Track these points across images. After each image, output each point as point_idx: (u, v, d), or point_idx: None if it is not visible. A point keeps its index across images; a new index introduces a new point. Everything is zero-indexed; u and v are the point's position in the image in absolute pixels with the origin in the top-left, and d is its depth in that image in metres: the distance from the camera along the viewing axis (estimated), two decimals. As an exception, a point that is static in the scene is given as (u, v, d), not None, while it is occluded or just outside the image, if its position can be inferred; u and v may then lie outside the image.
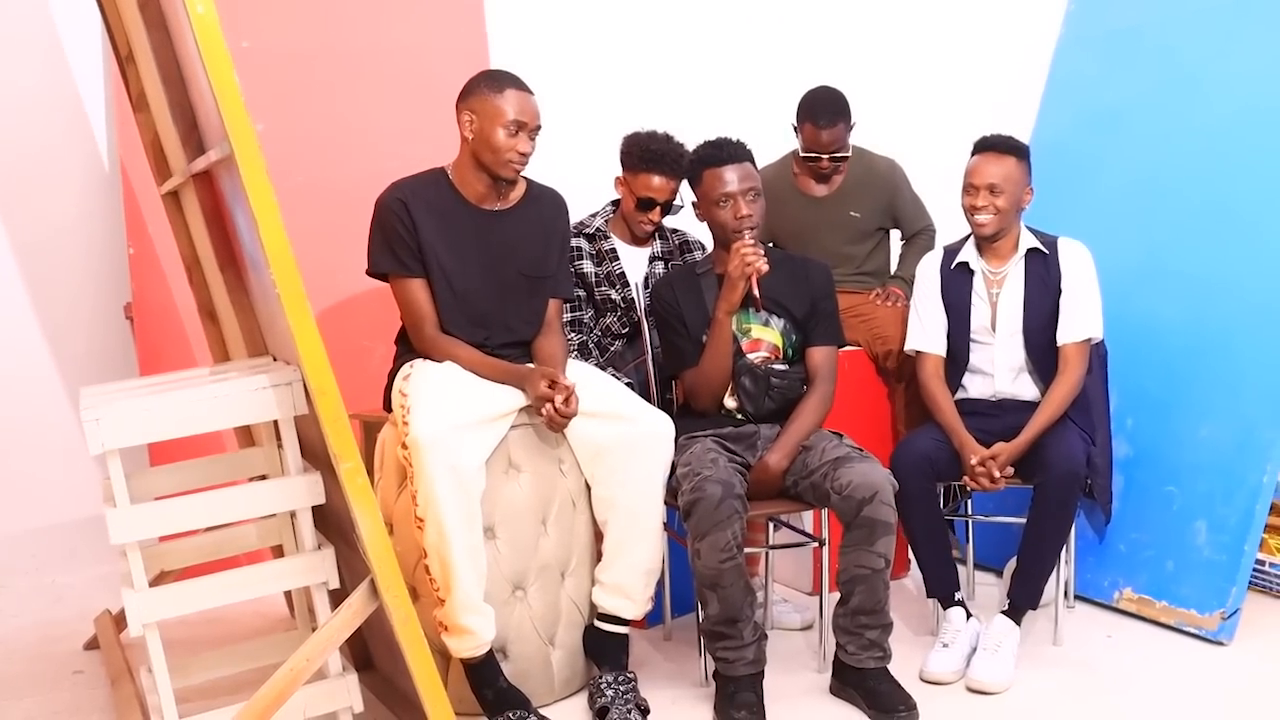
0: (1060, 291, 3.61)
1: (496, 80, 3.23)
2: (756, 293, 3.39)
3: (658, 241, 4.02)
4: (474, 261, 3.29)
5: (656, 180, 3.85)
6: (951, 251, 3.76)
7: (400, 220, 3.22)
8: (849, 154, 4.35)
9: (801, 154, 4.34)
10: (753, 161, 3.47)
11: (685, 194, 3.65)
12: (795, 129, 4.38)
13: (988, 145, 3.61)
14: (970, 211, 3.60)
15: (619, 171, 3.94)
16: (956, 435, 3.58)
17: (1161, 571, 3.77)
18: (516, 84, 3.23)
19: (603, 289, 3.90)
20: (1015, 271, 3.66)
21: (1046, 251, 3.64)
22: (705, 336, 3.46)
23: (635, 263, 3.96)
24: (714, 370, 3.44)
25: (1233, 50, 4.06)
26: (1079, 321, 3.60)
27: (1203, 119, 4.08)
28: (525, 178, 3.37)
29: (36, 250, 4.58)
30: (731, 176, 3.39)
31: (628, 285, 3.93)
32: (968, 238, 3.74)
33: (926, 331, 3.75)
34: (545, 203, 3.43)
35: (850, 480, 3.15)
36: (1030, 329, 3.63)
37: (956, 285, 3.72)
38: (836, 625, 3.27)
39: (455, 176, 3.31)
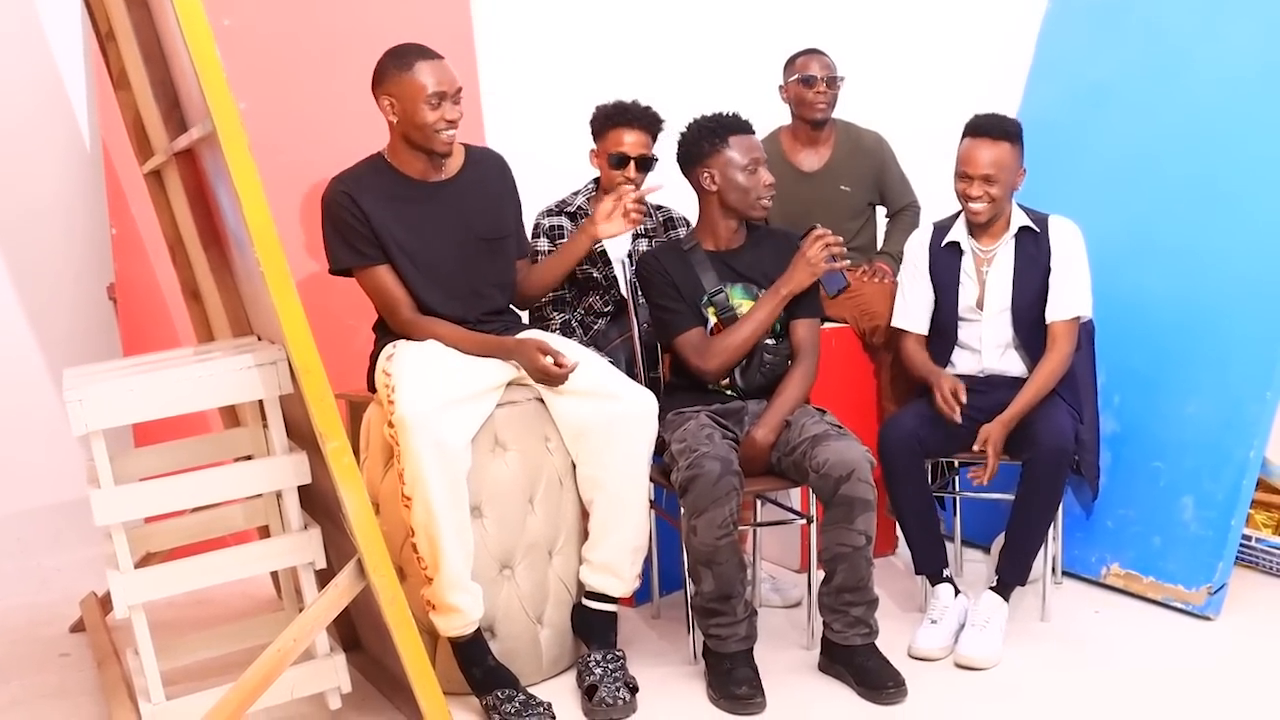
0: (1050, 269, 3.60)
1: (404, 57, 3.19)
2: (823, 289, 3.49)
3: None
4: (432, 236, 3.27)
5: (626, 135, 3.85)
6: (941, 229, 3.75)
7: (349, 211, 3.20)
8: (843, 78, 4.38)
9: (802, 80, 4.35)
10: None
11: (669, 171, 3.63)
12: (782, 89, 4.43)
13: (981, 130, 3.56)
14: (964, 198, 3.58)
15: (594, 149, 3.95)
16: (930, 375, 3.60)
17: (1148, 547, 3.78)
18: (424, 54, 3.20)
19: (584, 267, 3.88)
20: (1005, 249, 3.65)
21: (1037, 229, 3.63)
22: (706, 307, 3.45)
23: (618, 240, 3.94)
24: (745, 344, 3.43)
25: (1219, 24, 4.06)
26: (1068, 299, 3.59)
27: (1190, 93, 4.08)
28: (462, 143, 3.35)
29: (17, 231, 4.54)
30: (757, 145, 3.45)
31: (609, 263, 3.91)
32: (958, 215, 3.72)
33: (910, 311, 3.75)
34: (487, 164, 3.42)
35: (827, 459, 3.15)
36: (1019, 306, 3.62)
37: (945, 263, 3.71)
38: (822, 604, 3.27)
39: (393, 159, 3.29)
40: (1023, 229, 3.64)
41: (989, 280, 3.65)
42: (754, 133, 3.47)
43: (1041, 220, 3.65)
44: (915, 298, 3.74)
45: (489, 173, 3.40)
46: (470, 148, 3.41)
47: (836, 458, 3.14)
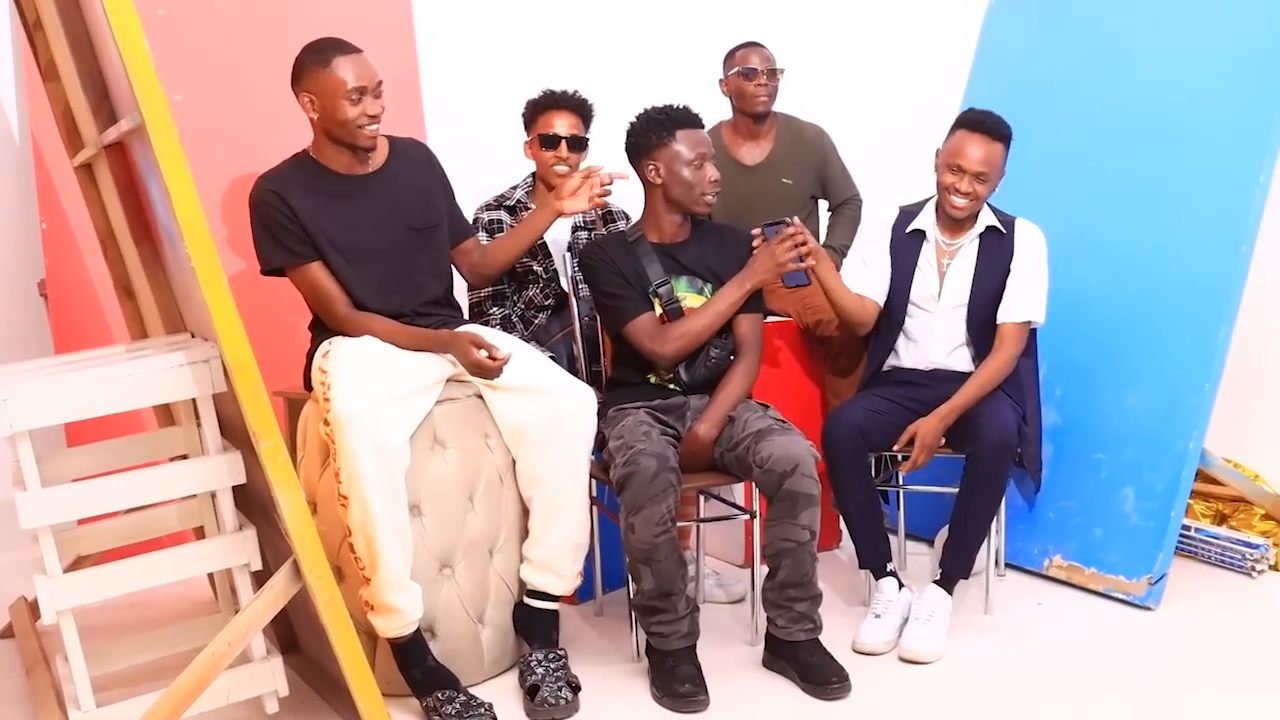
0: (1010, 271, 3.61)
1: (321, 53, 3.14)
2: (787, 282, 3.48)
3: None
4: (363, 229, 3.23)
5: (556, 118, 3.85)
6: (908, 214, 3.74)
7: (277, 209, 3.15)
8: (782, 70, 4.37)
9: (742, 73, 4.32)
10: None
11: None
12: (722, 82, 4.42)
13: (980, 126, 3.54)
14: (950, 190, 3.56)
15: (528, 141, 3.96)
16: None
17: (1090, 538, 3.80)
18: (342, 49, 3.15)
19: (524, 260, 3.85)
20: (970, 246, 3.65)
21: (1004, 230, 3.64)
22: (651, 298, 3.42)
23: (557, 233, 3.91)
24: (703, 333, 3.40)
25: (1159, 22, 4.08)
26: (1023, 303, 3.60)
27: (1129, 90, 4.10)
28: (385, 135, 3.31)
29: (-55, 226, 4.45)
30: (704, 139, 3.42)
31: (549, 256, 3.88)
32: (925, 202, 3.72)
33: (864, 279, 3.72)
34: (412, 154, 3.38)
35: (771, 453, 3.13)
36: (975, 304, 3.63)
37: (906, 249, 3.71)
38: (765, 599, 3.26)
39: (317, 155, 3.25)
40: (990, 228, 3.64)
41: (949, 274, 3.65)
42: (703, 127, 3.45)
43: (1009, 222, 3.65)
44: (877, 268, 3.73)
45: (415, 163, 3.35)
46: (394, 139, 3.36)
47: (780, 453, 3.12)
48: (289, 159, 3.26)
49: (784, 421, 3.29)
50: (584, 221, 3.97)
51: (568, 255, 3.81)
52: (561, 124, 3.84)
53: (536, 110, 3.90)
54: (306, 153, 3.26)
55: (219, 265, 2.56)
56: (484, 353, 3.08)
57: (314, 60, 3.13)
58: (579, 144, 3.87)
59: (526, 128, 3.94)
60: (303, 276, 3.20)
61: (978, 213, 3.65)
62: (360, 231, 3.22)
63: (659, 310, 3.44)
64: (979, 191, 3.54)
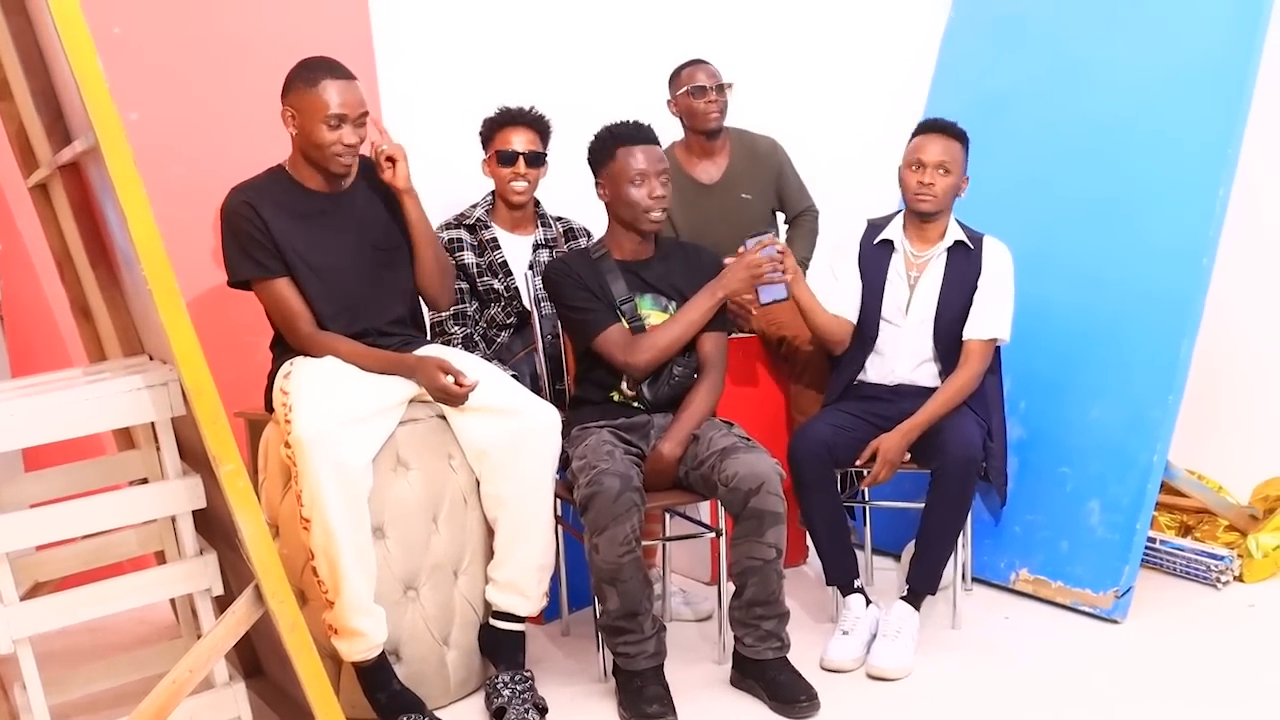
0: (976, 288, 3.61)
1: (312, 72, 3.12)
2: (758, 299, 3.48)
3: (540, 229, 3.96)
4: (334, 248, 3.21)
5: (513, 134, 3.85)
6: (876, 227, 3.75)
7: (250, 221, 3.12)
8: (730, 84, 4.36)
9: (691, 91, 4.31)
10: (659, 146, 3.45)
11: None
12: (670, 103, 4.41)
13: (936, 127, 3.61)
14: (917, 187, 3.57)
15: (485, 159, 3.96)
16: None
17: (1056, 552, 3.80)
18: (333, 72, 3.13)
19: (485, 279, 3.83)
20: (937, 260, 3.66)
21: (971, 246, 3.65)
22: (620, 312, 3.40)
23: (518, 251, 3.90)
24: (675, 343, 3.38)
25: (1119, 35, 4.11)
26: (989, 320, 3.61)
27: (1088, 106, 4.13)
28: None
29: (-101, 248, 4.38)
30: (647, 155, 3.37)
31: (510, 274, 3.86)
32: (894, 215, 3.73)
33: (841, 299, 3.73)
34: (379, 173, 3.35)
35: (736, 471, 3.12)
36: (942, 320, 3.63)
37: (875, 261, 3.71)
38: (732, 618, 3.24)
39: (293, 171, 3.23)
40: (958, 243, 3.65)
41: (917, 287, 3.66)
42: (649, 142, 3.40)
43: (977, 239, 3.67)
44: (848, 283, 3.73)
45: (382, 182, 3.32)
46: (363, 158, 3.33)
47: (746, 470, 3.11)
48: (265, 172, 3.24)
49: (749, 439, 3.28)
50: (545, 239, 3.96)
51: (529, 273, 3.79)
52: (519, 140, 3.84)
53: (494, 127, 3.90)
54: (283, 167, 3.24)
55: (176, 288, 2.52)
56: (450, 379, 3.06)
57: (303, 78, 3.11)
58: (537, 160, 3.86)
59: (484, 145, 3.93)
60: (269, 291, 3.17)
61: (945, 227, 3.66)
62: (329, 250, 3.20)
63: (625, 327, 3.42)
64: (942, 183, 3.55)
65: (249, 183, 3.20)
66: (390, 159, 3.23)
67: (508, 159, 3.83)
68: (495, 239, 3.88)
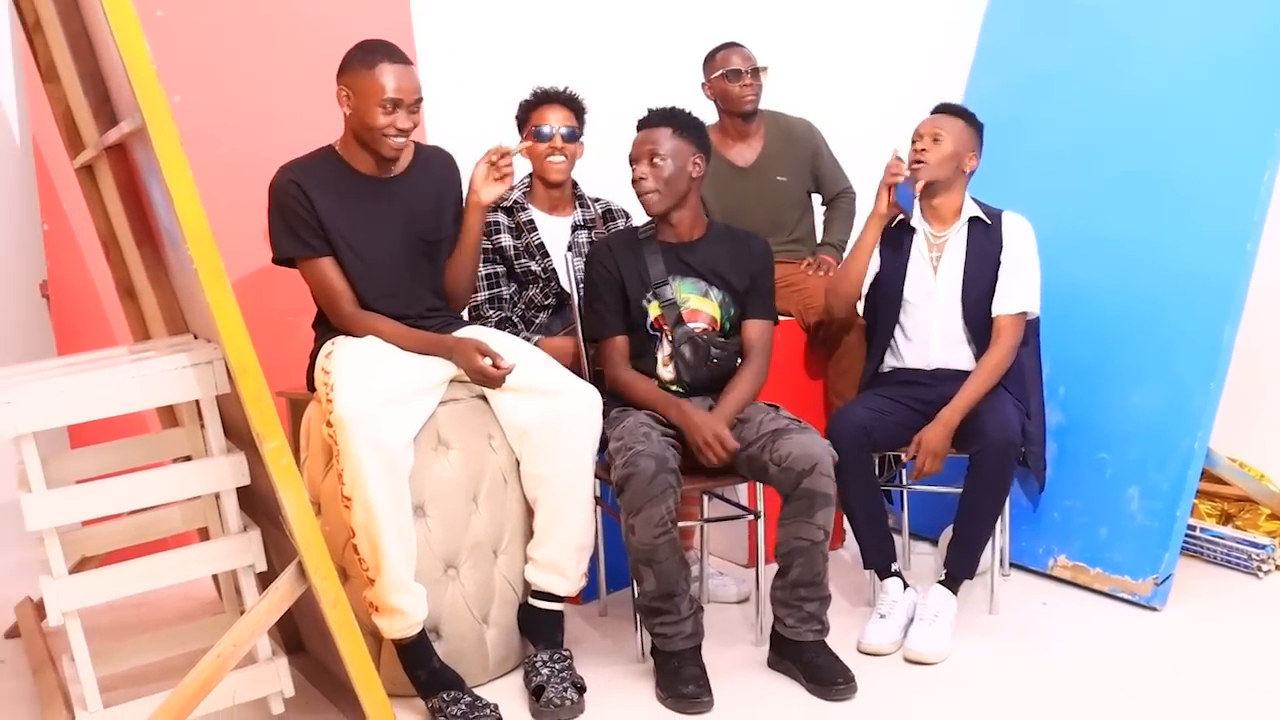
0: (1000, 263, 3.61)
1: (370, 54, 3.13)
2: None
3: (578, 210, 3.97)
4: (378, 232, 3.23)
5: (548, 112, 3.86)
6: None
7: (297, 200, 3.14)
8: (765, 67, 4.36)
9: (726, 75, 4.31)
10: (670, 125, 3.46)
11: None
12: (704, 86, 4.40)
13: (938, 109, 3.69)
14: (911, 159, 3.63)
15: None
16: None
17: (1095, 538, 3.79)
18: (391, 56, 3.14)
19: (523, 261, 3.84)
20: (957, 238, 3.66)
21: (989, 221, 3.64)
22: (646, 300, 3.43)
23: (556, 233, 3.91)
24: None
25: (1161, 15, 4.07)
26: (1016, 294, 3.60)
27: (1131, 84, 4.09)
28: (412, 140, 3.30)
29: (-53, 228, 4.45)
30: (641, 139, 3.44)
31: (548, 255, 3.87)
32: (911, 199, 3.73)
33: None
34: (436, 163, 3.37)
35: (790, 452, 3.12)
36: (969, 297, 3.63)
37: (896, 242, 3.72)
38: (774, 598, 3.25)
39: (343, 152, 3.24)
40: (976, 220, 3.64)
41: (940, 266, 3.66)
42: (643, 127, 3.45)
43: (995, 215, 3.66)
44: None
45: (436, 171, 3.34)
46: (420, 145, 3.35)
47: (801, 451, 3.12)
48: (314, 151, 3.26)
49: (800, 421, 3.28)
50: (584, 220, 3.96)
51: (569, 255, 3.80)
52: (555, 117, 3.85)
53: (529, 108, 3.92)
54: (332, 147, 3.26)
55: (222, 267, 2.55)
56: (488, 361, 3.07)
57: (361, 59, 3.13)
58: (572, 136, 3.88)
59: (520, 128, 3.94)
60: (312, 270, 3.20)
61: (961, 205, 3.66)
62: (374, 234, 3.22)
63: (655, 313, 3.44)
64: (935, 152, 3.60)
65: (298, 161, 3.22)
66: (501, 176, 3.30)
67: (544, 136, 3.84)
68: (532, 220, 3.89)
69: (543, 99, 3.89)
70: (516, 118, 3.96)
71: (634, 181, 3.41)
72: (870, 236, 3.69)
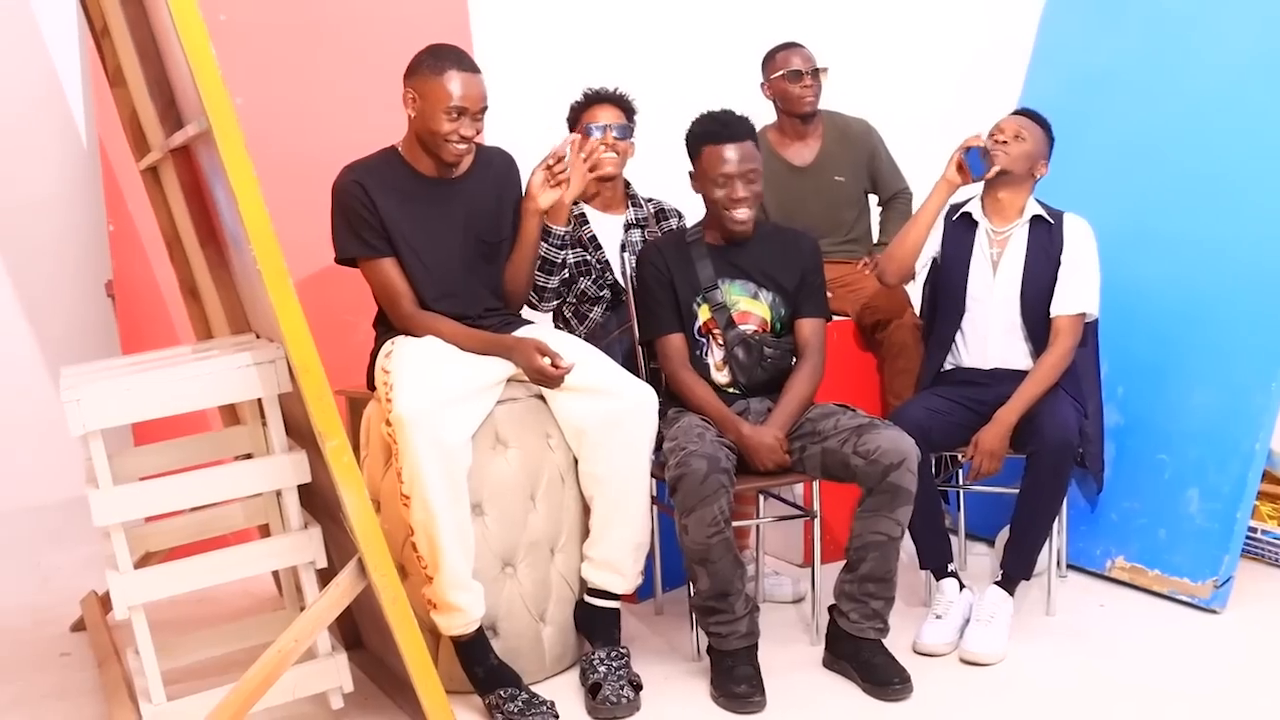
0: (1060, 264, 3.58)
1: (439, 59, 3.16)
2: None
3: (631, 209, 3.98)
4: (438, 234, 3.25)
5: (598, 110, 3.89)
6: (955, 206, 3.73)
7: (360, 201, 3.17)
8: (825, 68, 4.36)
9: (786, 76, 4.31)
10: (754, 138, 3.43)
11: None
12: (764, 86, 4.40)
13: (1024, 112, 3.68)
14: (994, 147, 3.59)
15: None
16: None
17: (1154, 540, 3.76)
18: (460, 64, 3.16)
19: (577, 250, 3.84)
20: (1018, 235, 3.64)
21: (1051, 221, 3.62)
22: (695, 304, 3.44)
23: (609, 230, 3.92)
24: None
25: (1220, 11, 4.03)
26: (1075, 295, 3.57)
27: (1191, 81, 4.05)
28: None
29: (16, 229, 4.53)
30: (732, 155, 3.36)
31: (600, 248, 3.88)
32: (972, 195, 3.72)
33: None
34: (497, 164, 3.39)
35: (879, 445, 3.13)
36: (1028, 296, 3.60)
37: (958, 235, 3.70)
38: (841, 591, 3.24)
39: (406, 153, 3.27)
40: (1038, 218, 3.62)
41: (1001, 264, 3.64)
42: (737, 139, 3.37)
43: (1056, 215, 3.64)
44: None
45: (497, 173, 3.36)
46: (481, 146, 3.36)
47: (890, 445, 3.12)
48: (378, 152, 3.28)
49: (883, 419, 3.30)
50: (637, 219, 3.98)
51: (625, 256, 3.82)
52: (605, 115, 3.88)
53: (579, 110, 3.94)
54: (396, 148, 3.28)
55: (285, 268, 2.59)
56: (547, 360, 3.09)
57: (430, 64, 3.15)
58: (625, 131, 3.89)
59: (571, 130, 3.96)
60: (374, 270, 3.23)
61: (1024, 203, 3.64)
62: (434, 236, 3.25)
63: (705, 316, 3.45)
64: (1017, 147, 3.57)
65: (361, 162, 3.25)
66: (557, 183, 3.33)
67: (595, 133, 3.86)
68: (583, 214, 3.91)
69: (593, 99, 3.92)
70: (567, 120, 3.98)
71: (733, 202, 3.36)
72: (935, 202, 3.62)
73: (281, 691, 2.80)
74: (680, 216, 4.04)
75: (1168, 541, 3.72)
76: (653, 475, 3.30)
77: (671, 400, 3.45)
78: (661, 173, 4.03)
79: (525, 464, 3.19)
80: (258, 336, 3.19)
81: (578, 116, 3.94)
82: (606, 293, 3.89)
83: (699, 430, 3.22)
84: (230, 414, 3.61)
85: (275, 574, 3.72)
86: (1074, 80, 4.48)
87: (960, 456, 3.57)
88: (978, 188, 3.69)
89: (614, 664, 3.15)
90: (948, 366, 3.75)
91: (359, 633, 3.48)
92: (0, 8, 4.42)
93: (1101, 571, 3.89)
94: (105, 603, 3.76)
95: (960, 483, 3.95)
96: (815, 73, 4.32)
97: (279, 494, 2.94)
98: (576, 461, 3.27)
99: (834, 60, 4.41)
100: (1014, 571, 3.48)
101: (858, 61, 5.18)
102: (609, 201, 3.96)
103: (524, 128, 4.60)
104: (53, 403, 4.38)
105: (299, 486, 2.90)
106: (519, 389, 3.23)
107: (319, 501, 3.02)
